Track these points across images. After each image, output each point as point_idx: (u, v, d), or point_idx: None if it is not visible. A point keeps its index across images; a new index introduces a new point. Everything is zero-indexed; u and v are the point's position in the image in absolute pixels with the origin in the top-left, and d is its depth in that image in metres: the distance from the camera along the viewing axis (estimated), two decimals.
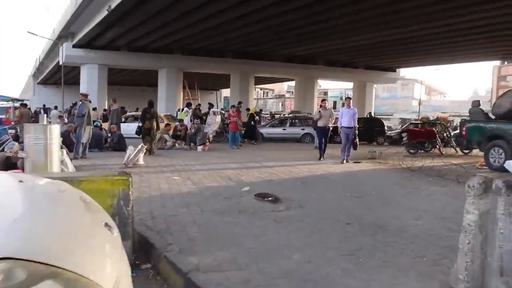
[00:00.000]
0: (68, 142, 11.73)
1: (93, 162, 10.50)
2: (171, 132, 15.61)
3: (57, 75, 45.48)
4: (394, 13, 19.47)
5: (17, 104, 20.21)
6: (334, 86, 67.80)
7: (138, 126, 13.20)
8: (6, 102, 22.48)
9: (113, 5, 21.07)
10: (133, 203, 5.68)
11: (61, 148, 12.19)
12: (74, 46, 32.36)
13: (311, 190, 6.89)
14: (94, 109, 19.55)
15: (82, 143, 11.20)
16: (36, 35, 36.03)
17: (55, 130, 4.43)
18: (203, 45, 31.56)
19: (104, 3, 21.91)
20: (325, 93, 70.31)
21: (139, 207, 5.45)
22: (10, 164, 8.02)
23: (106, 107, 25.01)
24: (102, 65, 33.48)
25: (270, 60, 36.23)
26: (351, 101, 13.54)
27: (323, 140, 11.97)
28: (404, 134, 15.59)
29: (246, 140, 17.86)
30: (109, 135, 14.76)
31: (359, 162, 10.94)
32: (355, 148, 11.71)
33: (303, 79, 40.32)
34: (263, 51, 34.17)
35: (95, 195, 3.63)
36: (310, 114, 28.29)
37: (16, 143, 8.53)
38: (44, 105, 36.13)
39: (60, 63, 34.61)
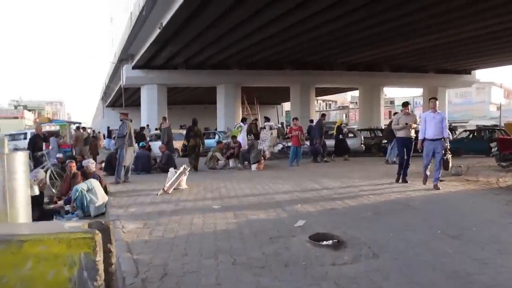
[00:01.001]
0: (114, 165, 10.96)
1: (133, 187, 9.50)
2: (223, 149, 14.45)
3: (124, 97, 46.93)
4: (468, 6, 17.06)
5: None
6: (401, 94, 64.19)
7: (184, 144, 13.79)
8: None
9: (165, 22, 20.67)
10: (153, 248, 4.51)
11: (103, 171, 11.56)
12: (133, 68, 32.80)
13: (387, 226, 5.18)
14: (142, 128, 18.96)
15: (124, 166, 10.28)
16: (99, 59, 36.97)
17: (19, 160, 3.15)
18: (260, 58, 30.56)
19: (156, 21, 21.59)
20: (391, 102, 66.61)
21: (155, 254, 4.15)
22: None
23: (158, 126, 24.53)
24: (161, 84, 33.63)
25: (331, 69, 34.41)
26: (437, 102, 8.99)
27: (405, 156, 9.08)
28: (493, 144, 13.14)
29: (333, 156, 16.12)
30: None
31: (442, 180, 8.82)
32: (445, 168, 8.76)
33: (368, 88, 37.95)
34: (323, 60, 32.48)
35: (45, 265, 2.31)
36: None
37: (41, 171, 7.67)
38: (108, 127, 36.92)
39: (122, 85, 35.30)
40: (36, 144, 12.85)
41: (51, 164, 11.74)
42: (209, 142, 21.07)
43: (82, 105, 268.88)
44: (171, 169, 8.93)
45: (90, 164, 8.39)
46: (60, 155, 12.73)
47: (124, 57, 33.17)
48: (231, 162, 14.05)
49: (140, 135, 19.29)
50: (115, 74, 40.33)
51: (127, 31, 27.98)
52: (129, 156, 10.38)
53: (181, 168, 8.88)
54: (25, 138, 22.43)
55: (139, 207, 6.84)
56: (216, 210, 6.44)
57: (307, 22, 19.80)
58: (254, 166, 12.66)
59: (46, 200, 8.39)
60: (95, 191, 7.24)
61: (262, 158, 13.06)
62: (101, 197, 7.33)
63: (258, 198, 7.52)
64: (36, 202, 7.13)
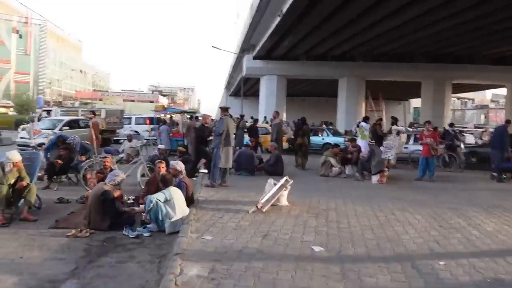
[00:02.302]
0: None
1: (227, 194, 8.14)
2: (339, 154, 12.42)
3: (245, 87, 47.44)
4: None
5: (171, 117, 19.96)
6: None
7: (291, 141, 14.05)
8: (175, 114, 22.72)
9: (284, 10, 19.19)
10: None
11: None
12: (254, 58, 32.27)
13: None
14: (256, 121, 17.60)
15: (220, 168, 9.00)
16: (221, 49, 37.41)
17: None
18: (389, 49, 27.45)
19: (276, 10, 20.23)
20: None
21: None
22: (107, 199, 6.14)
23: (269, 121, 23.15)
24: (280, 75, 32.63)
25: (472, 63, 29.62)
26: None
27: None
28: None
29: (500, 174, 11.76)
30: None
31: None
32: None
33: None
34: (463, 52, 28.01)
35: None
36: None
37: (120, 173, 6.65)
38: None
39: (242, 75, 35.13)
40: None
41: (149, 156, 11.12)
42: (316, 139, 19.09)
43: (210, 92, 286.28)
44: (270, 181, 7.30)
45: (178, 167, 7.18)
46: (162, 146, 12.05)
47: (246, 47, 32.80)
48: (348, 170, 11.99)
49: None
50: (238, 64, 40.50)
51: (248, 20, 27.30)
52: (225, 157, 9.04)
53: (282, 180, 7.20)
54: (151, 122, 22.92)
55: (219, 234, 5.34)
56: (317, 256, 4.61)
57: (447, 7, 16.58)
58: (374, 178, 10.44)
59: (131, 199, 7.46)
60: (173, 203, 5.96)
61: (386, 168, 10.76)
62: (179, 211, 6.02)
63: (378, 236, 5.47)
64: (109, 204, 6.15)
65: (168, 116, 21.40)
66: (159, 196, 5.92)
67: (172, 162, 7.34)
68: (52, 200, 7.80)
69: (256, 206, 6.57)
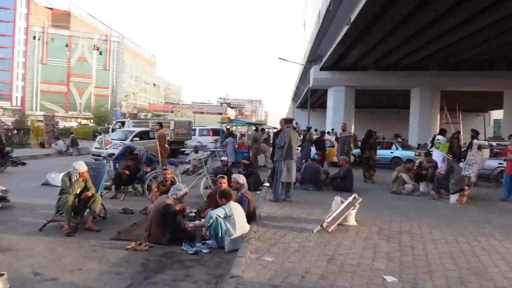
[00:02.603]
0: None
1: (291, 210, 7.75)
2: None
3: (312, 99, 46.93)
4: None
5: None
6: None
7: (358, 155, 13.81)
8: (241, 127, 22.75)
9: (353, 18, 18.54)
10: None
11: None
12: (321, 69, 31.72)
13: None
14: (323, 133, 17.02)
15: (283, 183, 8.63)
16: (287, 61, 37.26)
17: None
18: (467, 56, 25.61)
19: (344, 18, 19.61)
20: None
21: None
22: (168, 213, 6.01)
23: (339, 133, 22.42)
24: (348, 86, 31.75)
25: None
26: None
27: None
28: None
29: None
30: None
31: None
32: None
33: None
34: None
35: None
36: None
37: (183, 187, 6.51)
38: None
39: (309, 86, 34.66)
40: None
41: (213, 168, 11.03)
42: (384, 153, 18.13)
43: (277, 104, 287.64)
44: (336, 198, 6.79)
45: (240, 180, 6.92)
46: (225, 158, 11.94)
47: (313, 58, 32.36)
48: (422, 187, 11.11)
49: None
50: (305, 76, 40.12)
51: (315, 29, 26.90)
52: (287, 171, 8.65)
53: (350, 198, 6.68)
54: (214, 134, 23.23)
55: (280, 256, 4.96)
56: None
57: None
58: (453, 197, 9.49)
59: (193, 212, 7.31)
60: (233, 219, 5.69)
61: (466, 187, 9.75)
62: (240, 227, 5.74)
63: (461, 267, 4.78)
64: (170, 218, 6.02)
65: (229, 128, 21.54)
66: (219, 212, 5.68)
67: (234, 176, 7.13)
68: (117, 210, 7.90)
69: (321, 225, 6.12)
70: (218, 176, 8.08)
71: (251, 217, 6.68)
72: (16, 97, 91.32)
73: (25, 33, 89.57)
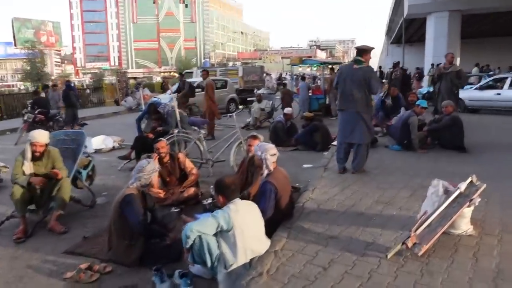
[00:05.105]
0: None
1: (357, 195, 4.89)
2: None
3: (408, 32, 40.98)
4: None
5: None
6: None
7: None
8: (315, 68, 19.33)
9: None
10: None
11: None
12: None
13: None
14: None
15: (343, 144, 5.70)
16: None
17: None
18: None
19: None
20: None
21: None
22: (128, 211, 3.60)
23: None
24: (453, 11, 26.12)
25: None
26: None
27: None
28: None
29: None
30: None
31: None
32: None
33: None
34: None
35: None
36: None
37: (146, 165, 3.87)
38: (379, 67, 32.62)
39: (404, 15, 29.51)
40: None
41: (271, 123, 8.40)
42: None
43: (371, 42, 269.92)
44: (435, 183, 3.70)
45: (264, 153, 4.14)
46: (289, 110, 9.41)
47: None
48: None
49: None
50: (399, 4, 34.52)
51: None
52: (343, 127, 5.69)
53: (463, 186, 3.58)
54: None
55: None
56: None
57: None
58: None
59: (207, 202, 4.83)
60: (233, 236, 3.07)
61: None
62: (245, 249, 3.12)
63: None
64: (134, 221, 3.62)
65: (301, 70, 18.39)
66: (203, 225, 3.09)
67: (256, 147, 4.31)
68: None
69: (405, 243, 3.21)
70: (249, 135, 5.45)
71: (284, 215, 4.02)
72: (114, 57, 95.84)
73: None
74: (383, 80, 20.03)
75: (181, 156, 5.42)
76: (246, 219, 3.20)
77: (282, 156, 7.94)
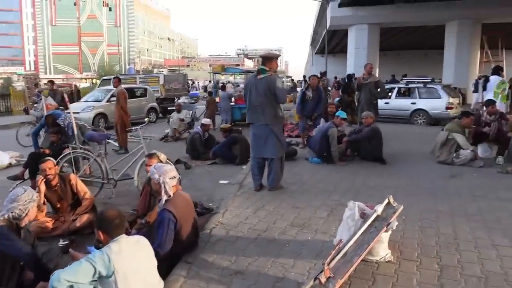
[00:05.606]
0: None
1: (270, 218, 4.49)
2: None
3: (331, 44, 42.33)
4: None
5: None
6: None
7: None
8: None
9: None
10: None
11: None
12: (340, 5, 27.25)
13: None
14: (350, 77, 13.37)
15: (256, 159, 5.31)
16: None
17: None
18: None
19: None
20: None
21: None
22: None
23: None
24: (372, 24, 27.37)
25: None
26: None
27: None
28: None
29: None
30: None
31: None
32: None
33: None
34: None
35: None
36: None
37: (21, 192, 3.20)
38: (304, 76, 33.53)
39: (326, 27, 30.38)
40: None
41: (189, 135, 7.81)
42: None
43: (297, 52, 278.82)
44: (351, 205, 3.39)
45: (162, 177, 3.55)
46: (207, 121, 8.87)
47: None
48: (481, 150, 7.63)
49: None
50: (322, 16, 35.57)
51: None
52: (254, 141, 5.34)
53: (380, 208, 3.29)
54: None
55: None
56: None
57: None
58: None
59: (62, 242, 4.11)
60: (114, 284, 2.48)
61: None
62: None
63: None
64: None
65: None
66: (76, 273, 2.46)
67: (152, 169, 3.73)
68: None
69: (317, 278, 2.81)
70: (151, 152, 4.86)
71: (186, 247, 3.49)
72: (29, 61, 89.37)
73: None
74: (298, 89, 20.15)
75: (73, 178, 4.68)
76: (132, 261, 2.62)
77: (198, 171, 7.47)
